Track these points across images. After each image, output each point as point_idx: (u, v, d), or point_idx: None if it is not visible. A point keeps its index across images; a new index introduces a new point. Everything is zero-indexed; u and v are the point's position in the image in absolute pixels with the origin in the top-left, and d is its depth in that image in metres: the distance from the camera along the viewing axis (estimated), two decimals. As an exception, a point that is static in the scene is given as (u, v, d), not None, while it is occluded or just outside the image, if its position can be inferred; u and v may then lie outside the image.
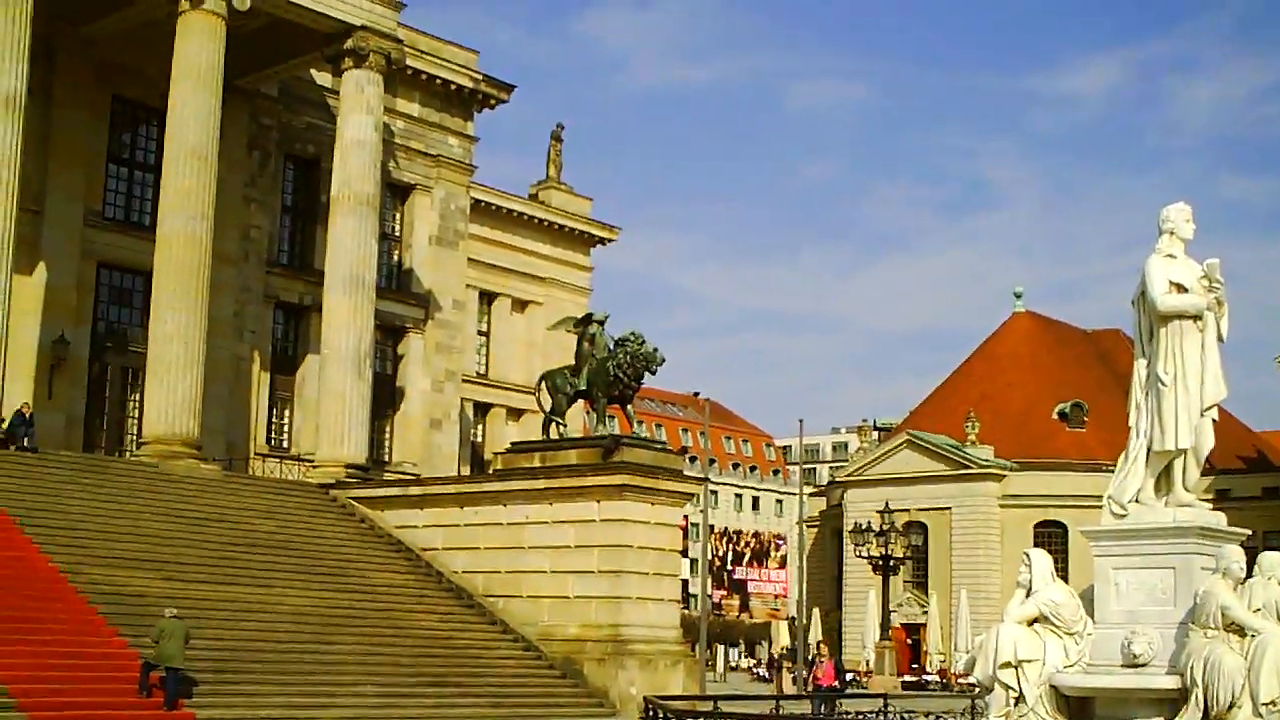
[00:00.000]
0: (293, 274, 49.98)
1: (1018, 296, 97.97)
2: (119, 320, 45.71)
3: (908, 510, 79.41)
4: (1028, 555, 17.53)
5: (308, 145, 50.28)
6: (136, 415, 43.48)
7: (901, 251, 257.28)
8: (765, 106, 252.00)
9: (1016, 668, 16.59)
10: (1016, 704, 16.61)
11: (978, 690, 18.73)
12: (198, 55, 40.80)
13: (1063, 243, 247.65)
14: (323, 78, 49.28)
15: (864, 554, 61.37)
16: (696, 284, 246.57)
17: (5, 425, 36.14)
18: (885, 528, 59.84)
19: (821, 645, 52.13)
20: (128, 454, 43.32)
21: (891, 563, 59.95)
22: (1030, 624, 16.91)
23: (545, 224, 65.24)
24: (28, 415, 37.13)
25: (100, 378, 45.17)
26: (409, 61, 49.55)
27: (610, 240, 68.63)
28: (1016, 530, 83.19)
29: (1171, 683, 15.69)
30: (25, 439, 36.62)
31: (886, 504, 63.48)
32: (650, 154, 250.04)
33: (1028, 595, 17.10)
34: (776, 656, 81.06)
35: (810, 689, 40.74)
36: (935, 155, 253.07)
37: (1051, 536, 79.33)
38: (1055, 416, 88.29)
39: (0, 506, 32.39)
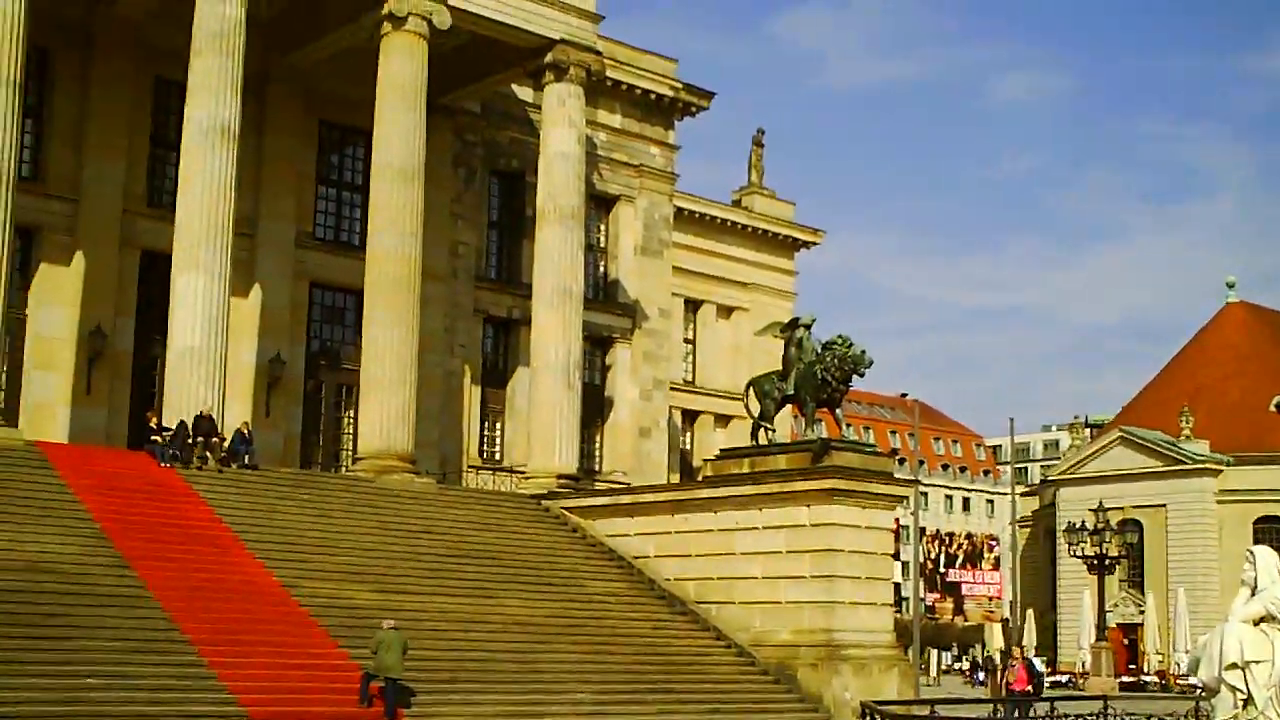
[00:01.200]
0: (501, 288, 50.33)
1: (1230, 286, 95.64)
2: (332, 338, 46.52)
3: (1122, 508, 77.86)
4: (1251, 553, 16.86)
5: (511, 160, 50.60)
6: (351, 431, 44.06)
7: (1107, 242, 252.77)
8: (966, 100, 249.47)
9: (1244, 669, 15.93)
10: (1245, 707, 15.95)
11: (1202, 693, 18.10)
12: (401, 76, 41.24)
13: (1275, 229, 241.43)
14: (524, 92, 49.60)
15: (1078, 553, 60.28)
16: (901, 283, 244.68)
17: (226, 444, 36.77)
18: (1099, 526, 58.70)
19: (1014, 649, 51.13)
20: (344, 469, 43.96)
21: (1106, 562, 58.74)
22: (1257, 623, 16.24)
23: (748, 229, 65.05)
24: (247, 434, 37.76)
25: (315, 395, 45.95)
26: (609, 73, 49.55)
27: (814, 243, 68.24)
28: (1235, 526, 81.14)
29: None
30: (246, 457, 37.23)
31: (1100, 502, 62.29)
32: (852, 154, 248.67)
33: (1253, 594, 16.43)
34: (982, 660, 79.89)
35: (1004, 693, 39.78)
36: (1139, 142, 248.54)
37: (1271, 532, 77.22)
38: (1273, 409, 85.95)
39: (224, 523, 32.97)
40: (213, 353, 37.02)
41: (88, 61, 41.83)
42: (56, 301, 40.91)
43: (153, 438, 35.72)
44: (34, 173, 40.74)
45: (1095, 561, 58.01)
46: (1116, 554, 61.22)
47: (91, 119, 41.63)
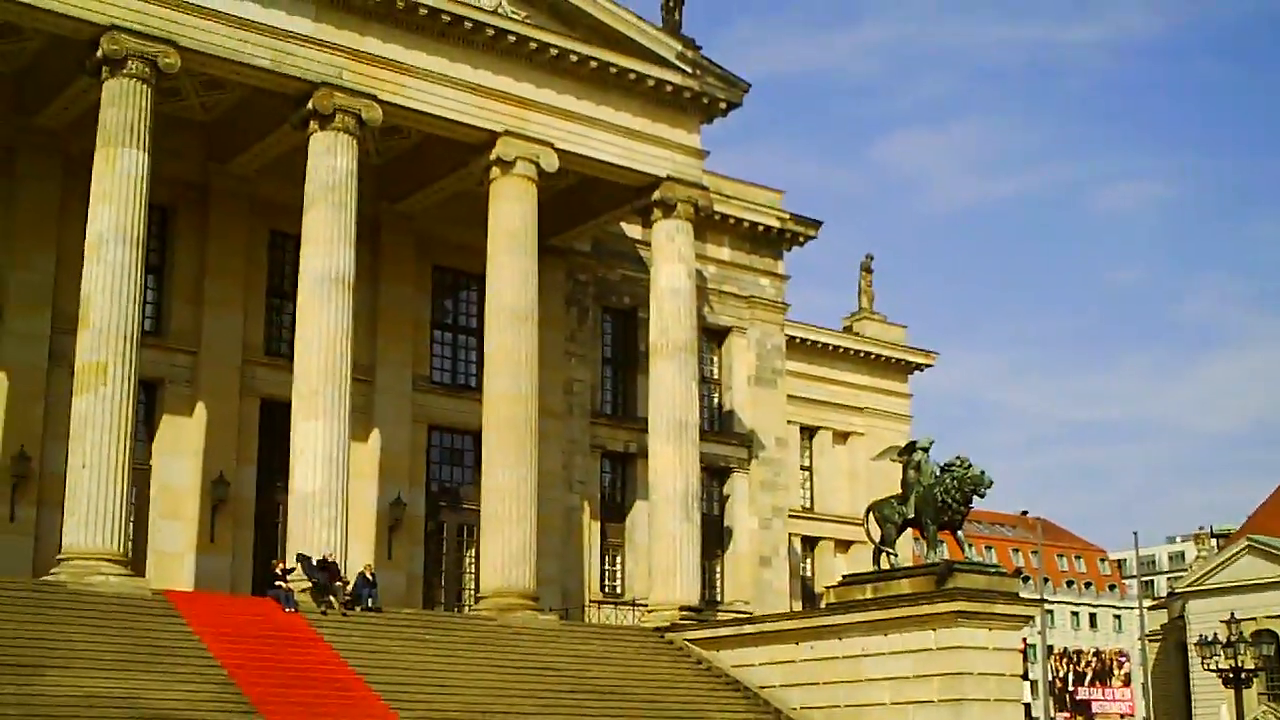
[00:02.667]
0: (617, 423, 50.04)
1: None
2: (451, 479, 46.33)
3: (1255, 619, 75.70)
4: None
5: (623, 297, 50.52)
6: (473, 570, 43.62)
7: (1223, 348, 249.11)
8: (1069, 213, 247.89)
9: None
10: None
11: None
12: (511, 219, 41.28)
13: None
14: (633, 230, 49.57)
15: (1212, 667, 58.46)
16: (1017, 399, 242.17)
17: (350, 587, 36.56)
18: (1232, 639, 56.95)
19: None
20: (466, 608, 43.56)
21: (1242, 675, 56.94)
22: None
23: (861, 355, 64.47)
24: (370, 576, 37.47)
25: (437, 536, 45.67)
26: (716, 207, 49.33)
27: (927, 365, 67.46)
28: (1374, 633, 78.69)
29: None
30: (369, 599, 36.93)
31: (1232, 614, 60.45)
32: (961, 273, 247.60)
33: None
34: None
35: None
36: (1250, 245, 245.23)
37: None
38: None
39: (349, 666, 32.60)
40: (334, 497, 36.88)
41: (205, 218, 42.27)
42: (180, 451, 41.01)
43: (276, 583, 35.56)
44: (156, 327, 41.04)
45: (1230, 675, 56.25)
46: (1252, 666, 59.36)
47: (210, 273, 42.01)
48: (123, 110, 35.57)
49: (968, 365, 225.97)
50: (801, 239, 55.85)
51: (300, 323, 38.12)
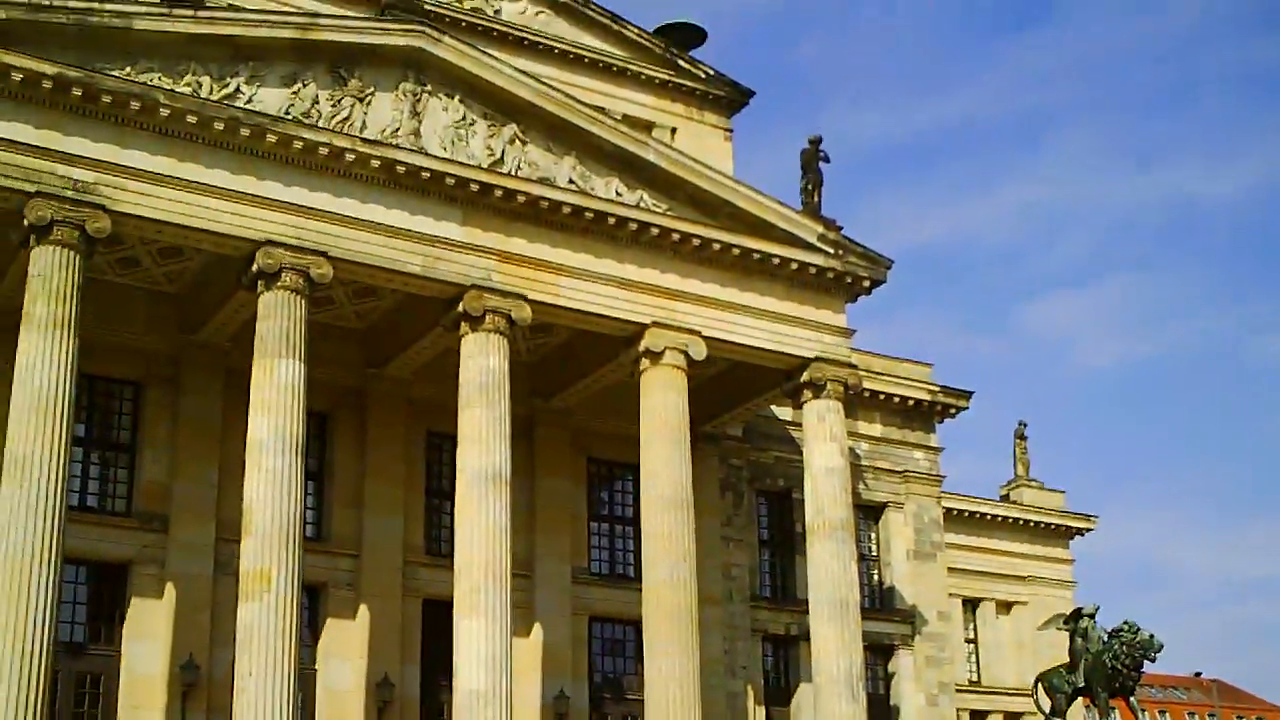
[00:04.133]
0: (777, 606, 49.24)
1: None
2: (614, 670, 45.72)
3: None
4: None
5: (778, 479, 50.03)
6: (638, 762, 42.96)
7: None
8: (1223, 365, 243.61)
9: None
10: None
11: None
12: (662, 409, 41.06)
13: None
14: (783, 411, 49.21)
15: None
16: (1184, 556, 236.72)
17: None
18: None
19: None
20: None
21: None
22: None
23: (1020, 523, 63.54)
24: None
25: (601, 728, 45.08)
26: (865, 384, 48.82)
27: (1088, 529, 66.14)
28: None
29: None
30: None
31: None
32: (1114, 433, 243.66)
33: None
34: None
35: None
36: None
37: None
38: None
39: None
40: (498, 694, 36.30)
41: (363, 423, 42.60)
42: (344, 655, 40.87)
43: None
44: (318, 532, 41.24)
45: None
46: None
47: (369, 476, 42.20)
48: (279, 322, 35.96)
49: (1129, 526, 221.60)
50: (953, 411, 55.17)
51: (459, 522, 37.97)
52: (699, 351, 41.52)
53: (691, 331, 41.54)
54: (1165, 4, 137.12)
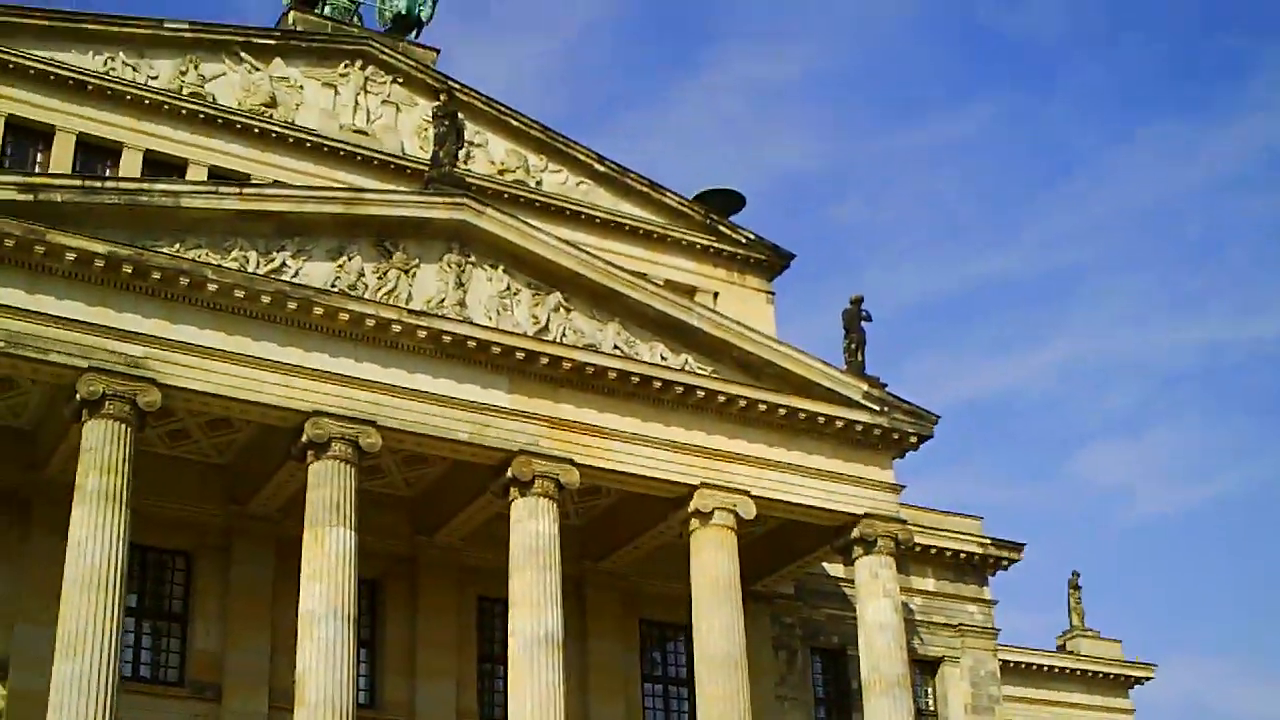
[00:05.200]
0: (834, 765, 48.16)
1: None
2: (670, 831, 44.61)
3: None
4: None
5: (831, 637, 48.91)
6: None
7: None
8: (1277, 511, 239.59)
9: None
10: None
11: None
12: (713, 569, 40.27)
13: None
14: (834, 568, 48.30)
15: None
16: (1245, 704, 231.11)
17: None
18: None
19: None
20: None
21: None
22: None
23: (1079, 673, 62.17)
24: None
25: None
26: (916, 538, 47.84)
27: (1147, 679, 64.70)
28: None
29: None
30: None
31: None
32: (1170, 581, 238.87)
33: None
34: None
35: None
36: None
37: None
38: None
39: None
40: None
41: (414, 589, 41.85)
42: (398, 825, 40.00)
43: None
44: (370, 700, 40.29)
45: None
46: None
47: (421, 643, 41.32)
48: (329, 491, 35.57)
49: (1189, 673, 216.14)
50: (1005, 563, 54.13)
51: (512, 686, 37.03)
52: (748, 511, 40.86)
53: (740, 491, 40.88)
54: (1193, 156, 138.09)
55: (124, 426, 33.63)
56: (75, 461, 33.74)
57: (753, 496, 40.99)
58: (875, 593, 43.05)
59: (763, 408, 41.34)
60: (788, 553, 45.57)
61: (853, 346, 43.86)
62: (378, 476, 40.12)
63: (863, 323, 44.29)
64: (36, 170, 41.91)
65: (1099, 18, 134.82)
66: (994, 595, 53.97)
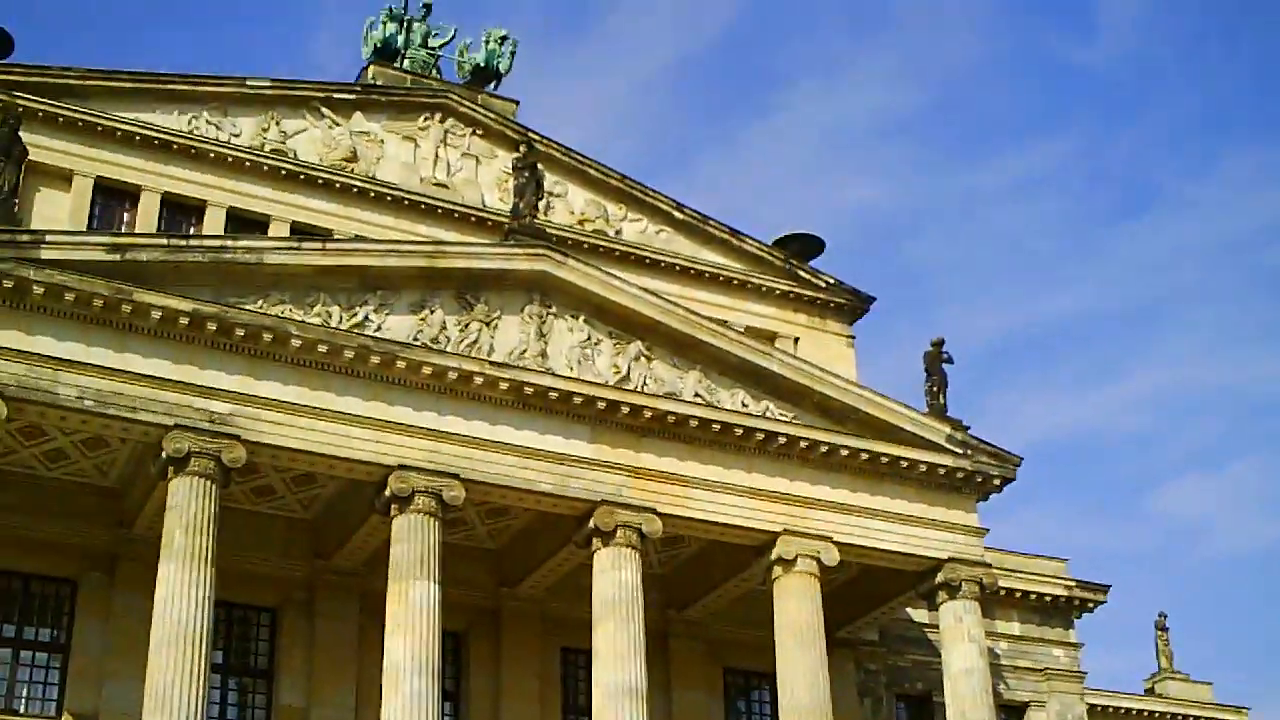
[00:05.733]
0: (919, 822, 47.45)
1: None
2: None
3: None
4: None
5: (916, 683, 48.15)
6: None
7: None
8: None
9: None
10: None
11: None
12: (796, 616, 39.71)
13: None
14: (919, 613, 47.64)
15: None
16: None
17: None
18: None
19: None
20: None
21: None
22: None
23: (1168, 717, 61.07)
24: None
25: None
26: (1001, 582, 47.12)
27: (1240, 722, 63.65)
28: None
29: None
30: None
31: None
32: (1260, 619, 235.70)
33: None
34: None
35: None
36: None
37: None
38: None
39: None
40: None
41: (498, 642, 41.53)
42: None
43: None
44: (456, 753, 40.25)
45: None
46: None
47: (505, 695, 40.95)
48: (413, 545, 35.39)
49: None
50: (1091, 605, 53.27)
51: (597, 737, 36.89)
52: (831, 557, 40.33)
53: (823, 538, 40.36)
54: (1273, 184, 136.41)
55: (209, 483, 33.63)
56: (161, 519, 33.78)
57: (835, 543, 40.45)
58: (960, 637, 42.39)
59: (845, 453, 40.85)
60: (871, 598, 44.96)
61: (934, 389, 43.31)
62: (461, 529, 39.89)
63: (944, 364, 43.80)
64: (123, 230, 42.16)
65: (1173, 49, 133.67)
66: (1080, 638, 53.17)
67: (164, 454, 33.54)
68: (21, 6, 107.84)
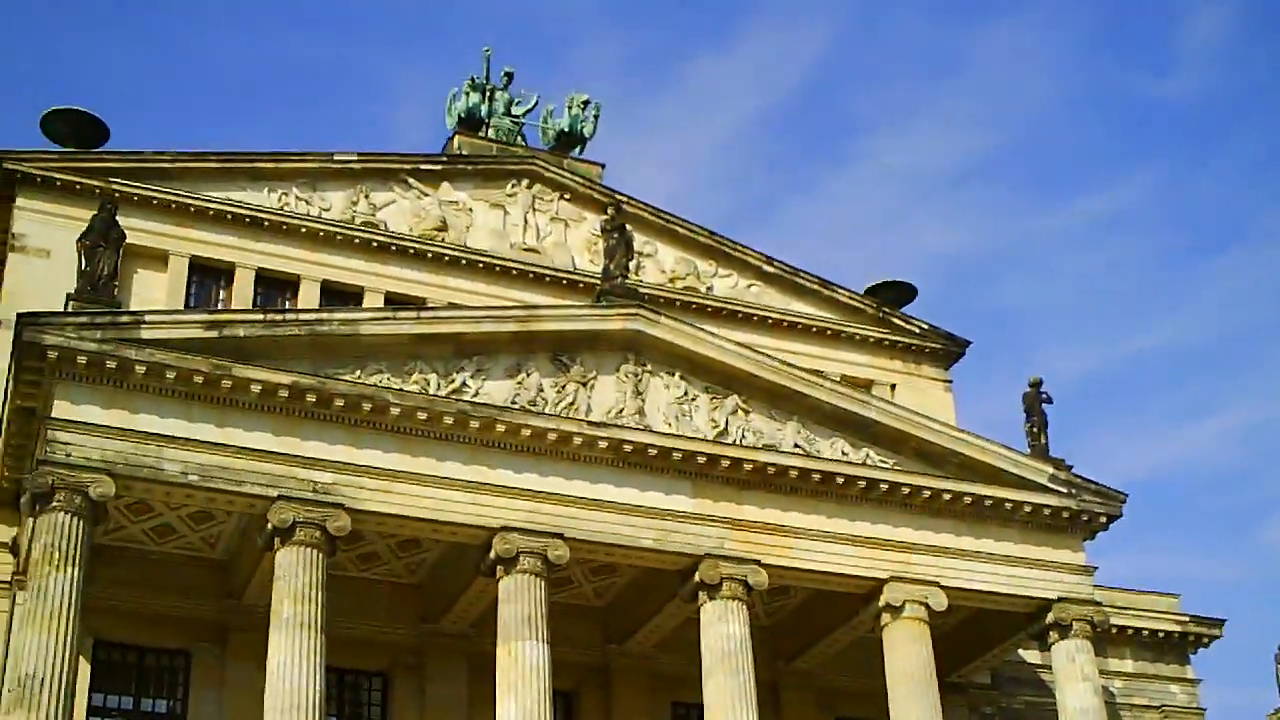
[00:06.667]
0: None
1: None
2: None
3: None
4: None
5: (1031, 725, 47.38)
6: None
7: None
8: None
9: None
10: None
11: None
12: (907, 662, 38.97)
13: None
14: (1030, 654, 46.75)
15: None
16: None
17: None
18: None
19: None
20: None
21: None
22: None
23: (1294, 751, 59.55)
24: None
25: None
26: (1113, 620, 46.20)
27: (1373, 746, 61.89)
28: None
29: None
30: None
31: None
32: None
33: None
34: None
35: None
36: None
37: None
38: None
39: None
40: None
41: (608, 700, 41.14)
42: None
43: None
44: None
45: None
46: None
47: (621, 752, 40.70)
48: (519, 605, 35.07)
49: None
50: (1206, 640, 52.09)
51: (713, 795, 36.27)
52: (939, 602, 39.59)
53: (930, 583, 39.63)
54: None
55: (315, 552, 33.55)
56: (270, 589, 33.71)
57: (943, 587, 39.71)
58: (1074, 677, 41.45)
59: (948, 497, 40.16)
60: (982, 641, 44.08)
61: (1035, 429, 42.59)
62: (567, 587, 39.61)
63: (1043, 404, 43.11)
64: (219, 307, 42.40)
65: (1254, 79, 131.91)
66: (1197, 674, 51.99)
67: (270, 525, 33.54)
68: (112, 94, 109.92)
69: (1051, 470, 41.51)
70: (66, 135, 43.42)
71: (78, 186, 41.68)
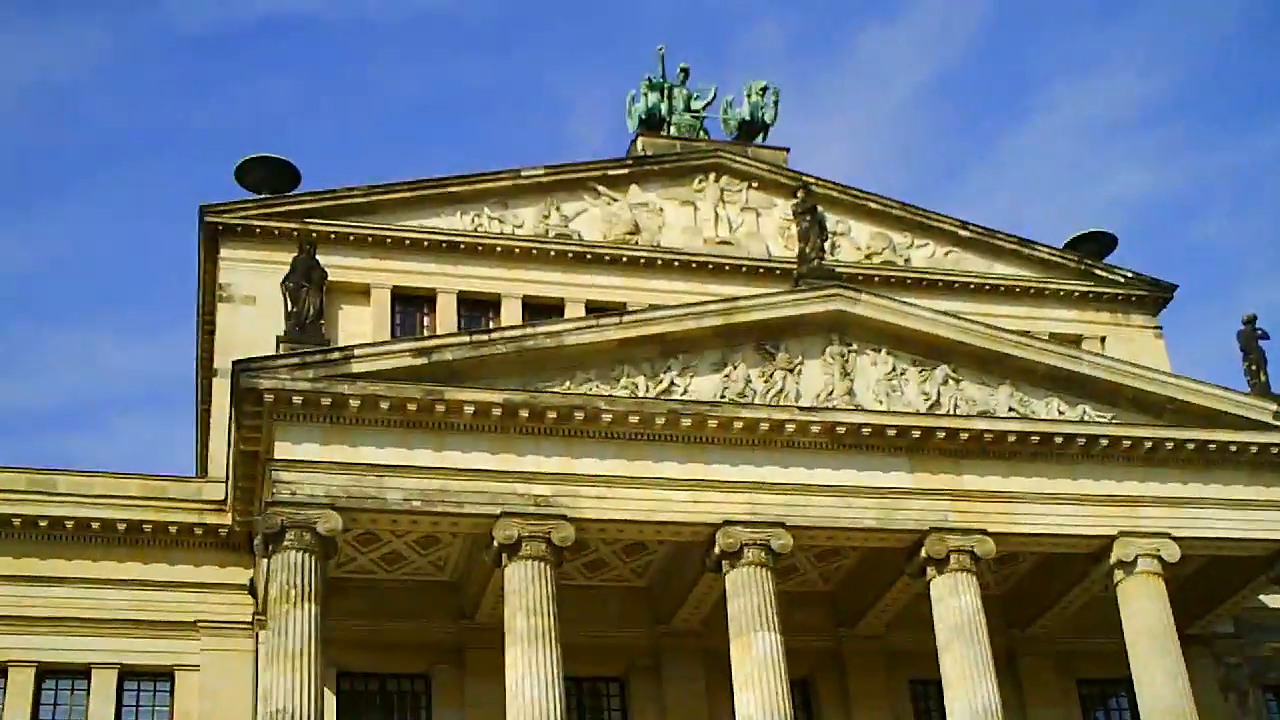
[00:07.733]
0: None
1: None
2: None
3: None
4: None
5: (1281, 672, 45.62)
6: None
7: None
8: None
9: None
10: None
11: None
12: (1145, 618, 37.58)
13: None
14: (1272, 599, 44.96)
15: None
16: None
17: None
18: None
19: None
20: None
21: None
22: None
23: None
24: None
25: None
26: (1351, 556, 44.38)
27: None
28: None
29: None
30: None
31: None
32: None
33: None
34: None
35: None
36: None
37: None
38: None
39: None
40: None
41: (844, 684, 40.56)
42: None
43: None
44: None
45: None
46: None
47: (856, 734, 40.03)
48: (749, 598, 34.59)
49: None
50: None
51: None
52: (1171, 554, 38.11)
53: (1160, 535, 38.17)
54: None
55: (543, 565, 33.42)
56: (501, 605, 33.72)
57: (1174, 538, 38.21)
58: (1322, 617, 39.90)
59: (1170, 446, 38.65)
60: (1221, 590, 42.42)
61: (1254, 367, 40.95)
62: (793, 575, 39.08)
63: (1259, 341, 41.49)
64: (425, 333, 42.60)
65: None
66: None
67: (495, 542, 33.52)
68: (296, 136, 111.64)
69: (1276, 407, 39.76)
70: (261, 183, 44.03)
71: (276, 231, 42.29)
